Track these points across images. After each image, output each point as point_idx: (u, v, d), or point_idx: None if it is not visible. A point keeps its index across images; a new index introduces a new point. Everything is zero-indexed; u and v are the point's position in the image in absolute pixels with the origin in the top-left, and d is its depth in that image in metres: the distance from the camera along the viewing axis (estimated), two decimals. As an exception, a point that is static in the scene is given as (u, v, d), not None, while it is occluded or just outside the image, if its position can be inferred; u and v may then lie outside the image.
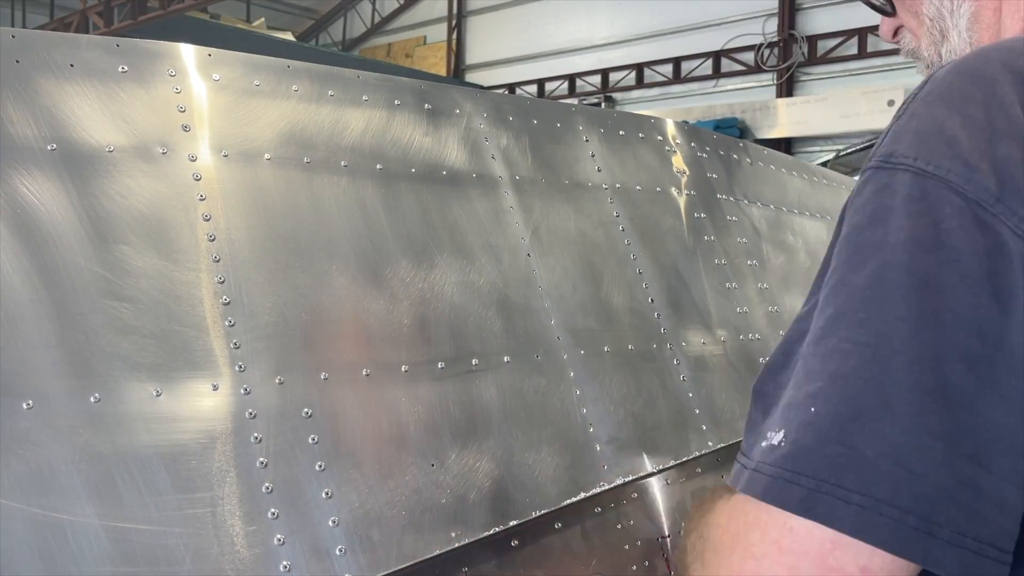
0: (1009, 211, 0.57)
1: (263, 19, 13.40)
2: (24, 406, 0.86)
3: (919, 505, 0.53)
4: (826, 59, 10.86)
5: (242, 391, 0.99)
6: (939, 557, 0.53)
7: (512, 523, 1.16)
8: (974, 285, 0.56)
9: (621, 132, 1.63)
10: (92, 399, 0.90)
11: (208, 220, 1.04)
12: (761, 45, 11.32)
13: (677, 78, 12.20)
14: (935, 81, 0.64)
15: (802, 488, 0.55)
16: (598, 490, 1.28)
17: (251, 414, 0.99)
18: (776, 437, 0.59)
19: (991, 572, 0.53)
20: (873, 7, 0.91)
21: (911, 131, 0.62)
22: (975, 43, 0.80)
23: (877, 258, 0.59)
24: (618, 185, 1.56)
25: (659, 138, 1.71)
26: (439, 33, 15.19)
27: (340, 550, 0.99)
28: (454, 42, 14.85)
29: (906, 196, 0.60)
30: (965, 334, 0.56)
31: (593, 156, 1.55)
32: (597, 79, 13.07)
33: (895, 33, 0.90)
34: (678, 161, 1.71)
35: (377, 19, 16.26)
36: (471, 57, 14.88)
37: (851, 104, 10.10)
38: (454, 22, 14.84)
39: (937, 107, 0.62)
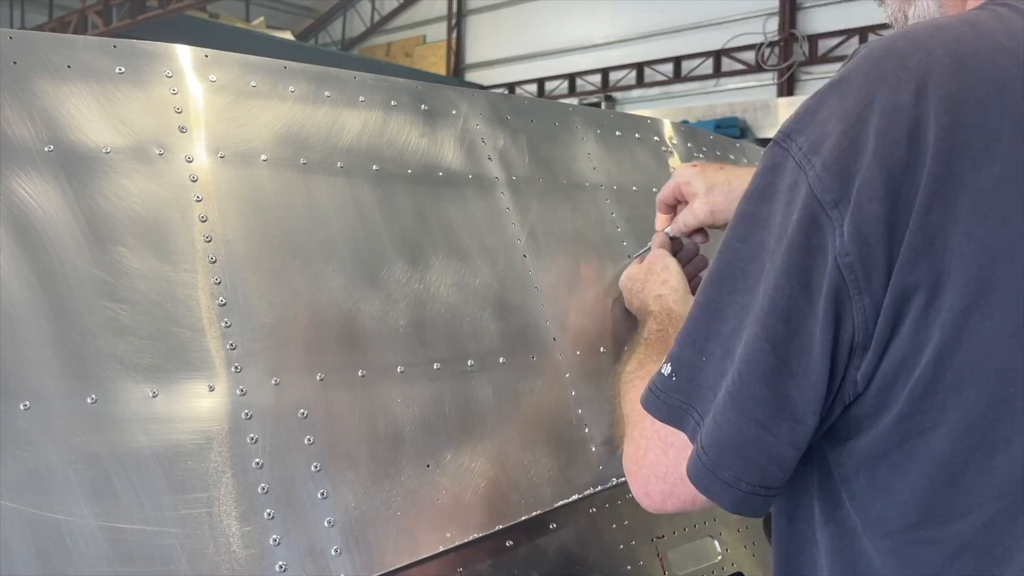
0: (840, 218, 0.64)
1: (262, 18, 13.41)
2: (21, 407, 0.87)
3: (712, 451, 0.70)
4: (827, 58, 10.86)
5: (238, 392, 0.99)
6: (717, 492, 0.70)
7: (507, 524, 1.17)
8: (793, 277, 0.66)
9: (618, 132, 1.63)
10: (89, 400, 0.90)
11: (204, 221, 1.04)
12: (762, 44, 11.32)
13: (677, 77, 12.21)
14: (847, 64, 0.70)
15: (670, 407, 0.75)
16: (593, 491, 1.28)
17: (247, 415, 0.99)
18: (666, 368, 0.77)
19: (758, 505, 0.70)
20: None
21: (807, 114, 0.69)
22: (943, 10, 0.82)
23: (758, 235, 0.70)
24: (615, 186, 1.56)
25: (656, 138, 1.71)
26: (439, 32, 15.19)
27: (335, 550, 1.00)
28: (454, 41, 14.84)
29: (787, 185, 0.68)
30: (776, 319, 0.67)
31: (589, 156, 1.55)
32: (597, 78, 13.07)
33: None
34: (675, 161, 1.71)
35: (376, 18, 16.26)
36: (471, 56, 14.88)
37: (851, 104, 10.07)
38: (454, 21, 14.83)
39: (832, 96, 0.68)
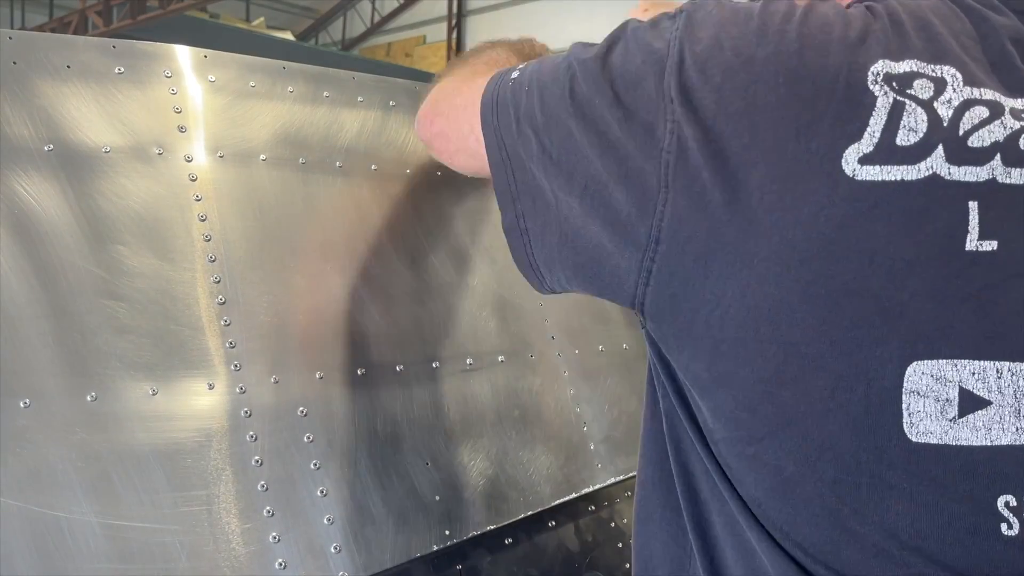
0: None
1: (263, 18, 13.41)
2: (21, 404, 0.87)
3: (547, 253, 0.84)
4: (826, 58, 10.85)
5: (238, 390, 1.00)
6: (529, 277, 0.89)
7: (506, 521, 1.17)
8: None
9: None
10: (89, 398, 0.91)
11: (204, 220, 1.05)
12: (761, 44, 11.31)
13: (677, 77, 12.18)
14: None
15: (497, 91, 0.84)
16: (592, 488, 1.29)
17: (247, 413, 0.99)
18: (515, 72, 0.84)
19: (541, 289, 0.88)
20: None
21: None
22: None
23: None
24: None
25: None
26: (439, 33, 15.18)
27: (335, 548, 1.00)
28: (454, 42, 14.84)
29: None
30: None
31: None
32: (597, 78, 13.04)
33: None
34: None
35: (377, 18, 16.24)
36: (471, 56, 14.84)
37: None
38: (454, 22, 14.83)
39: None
